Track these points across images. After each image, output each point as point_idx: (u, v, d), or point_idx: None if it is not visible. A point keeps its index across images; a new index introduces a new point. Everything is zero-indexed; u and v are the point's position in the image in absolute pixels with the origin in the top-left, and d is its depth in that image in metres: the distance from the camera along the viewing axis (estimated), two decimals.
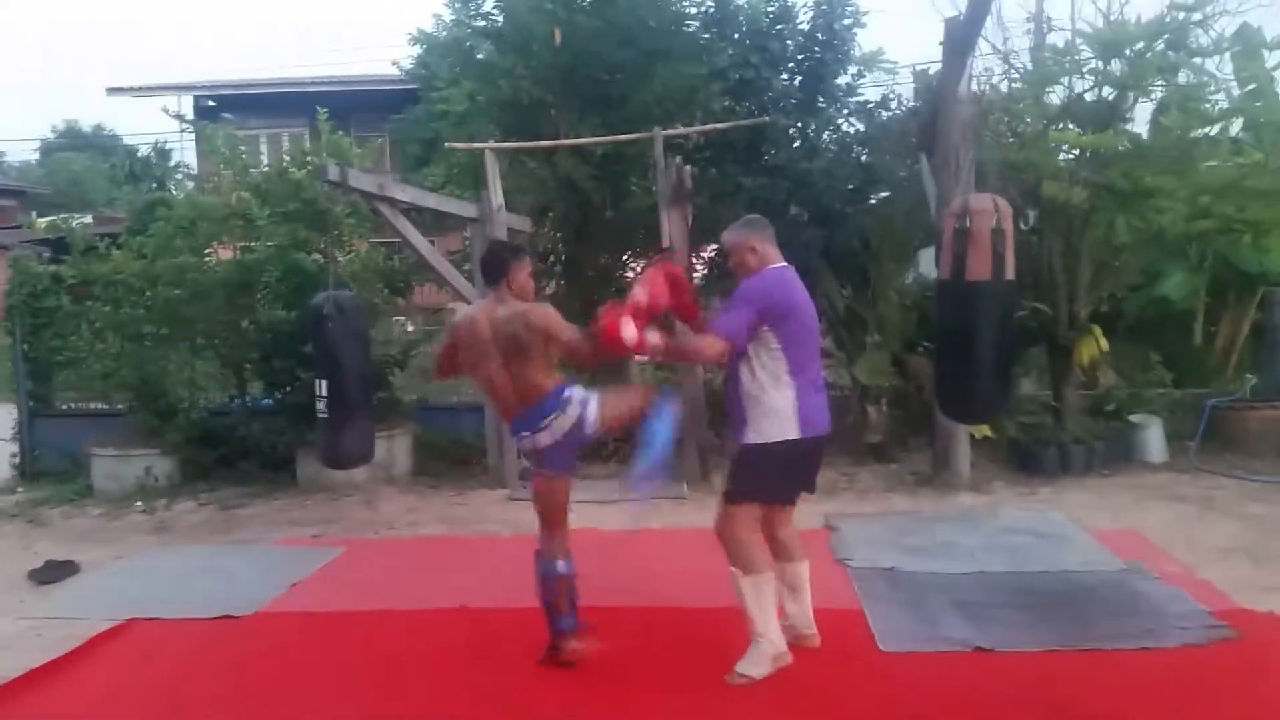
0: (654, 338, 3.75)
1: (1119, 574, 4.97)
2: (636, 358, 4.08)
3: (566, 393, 3.91)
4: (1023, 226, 5.26)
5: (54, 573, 5.76)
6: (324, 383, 5.70)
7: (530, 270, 4.08)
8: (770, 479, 3.84)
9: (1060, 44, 7.81)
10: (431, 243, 8.16)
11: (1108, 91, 7.54)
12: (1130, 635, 4.14)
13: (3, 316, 9.00)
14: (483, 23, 8.54)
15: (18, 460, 8.77)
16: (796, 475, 3.94)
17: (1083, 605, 4.57)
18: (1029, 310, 7.79)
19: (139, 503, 7.58)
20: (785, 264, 3.92)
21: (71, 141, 49.03)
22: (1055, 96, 7.82)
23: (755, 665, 3.80)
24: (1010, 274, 4.75)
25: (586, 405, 3.92)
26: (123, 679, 4.14)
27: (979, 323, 4.70)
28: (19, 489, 8.35)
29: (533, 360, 3.89)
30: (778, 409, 3.73)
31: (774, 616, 3.85)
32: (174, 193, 21.16)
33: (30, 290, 8.72)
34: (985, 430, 7.67)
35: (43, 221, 20.93)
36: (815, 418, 3.81)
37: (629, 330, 3.68)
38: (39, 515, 7.43)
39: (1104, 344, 7.98)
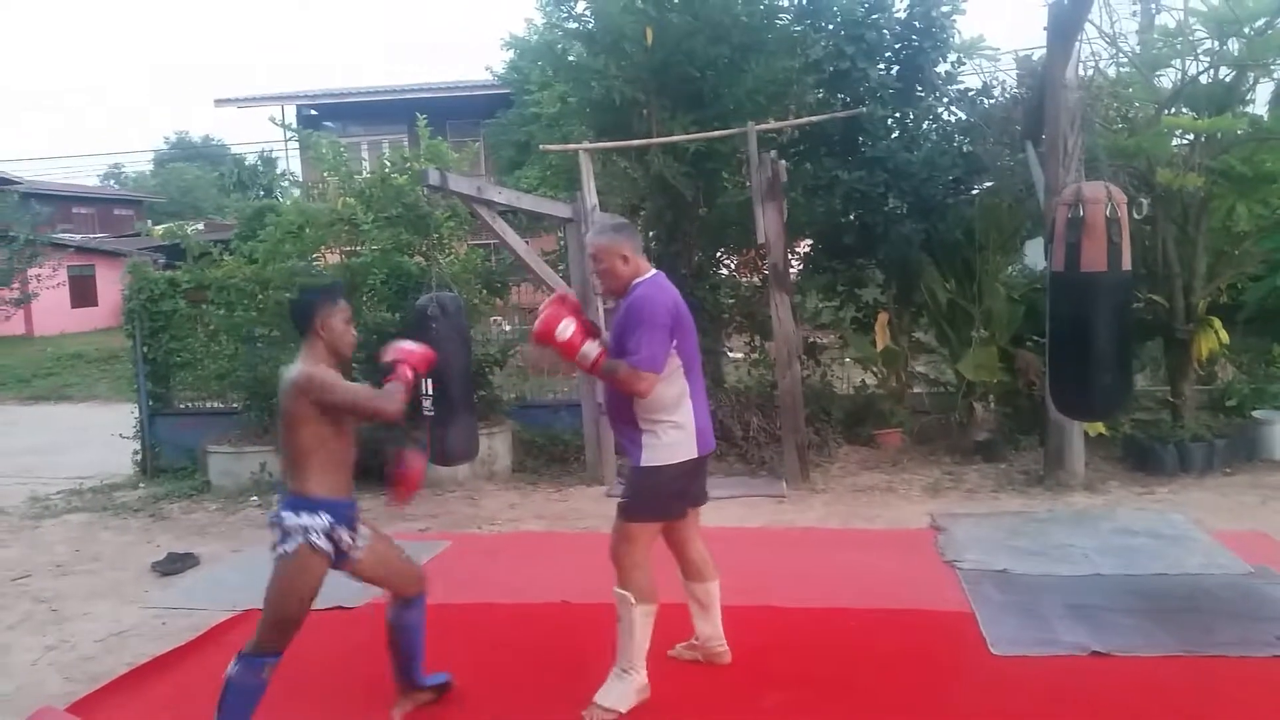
0: (591, 349, 3.53)
1: (1245, 577, 4.75)
2: (565, 363, 3.71)
3: (286, 517, 3.28)
4: (1136, 215, 5.05)
5: (175, 564, 6.02)
6: (429, 382, 5.80)
7: (347, 314, 3.45)
8: (670, 499, 3.67)
9: (1170, 25, 7.49)
10: (526, 243, 8.26)
11: (1225, 72, 7.20)
12: (1259, 642, 3.95)
13: (124, 320, 9.44)
14: (574, 25, 8.61)
15: (139, 457, 9.18)
16: (690, 490, 3.76)
17: (1206, 609, 4.37)
18: (1144, 302, 7.50)
19: (254, 498, 7.88)
20: (657, 270, 3.70)
21: (183, 152, 51.46)
22: (1167, 80, 7.51)
23: (622, 699, 3.59)
24: (1127, 264, 4.58)
25: (287, 543, 3.27)
26: None
27: (1096, 315, 4.55)
28: (141, 485, 8.74)
29: (296, 439, 3.31)
30: (678, 429, 3.56)
31: (645, 649, 3.64)
32: (280, 200, 21.95)
33: (148, 295, 9.10)
34: (1099, 428, 7.41)
35: (159, 229, 21.89)
36: (709, 432, 3.69)
37: (567, 328, 3.48)
38: (160, 510, 7.77)
39: (1224, 336, 7.65)
